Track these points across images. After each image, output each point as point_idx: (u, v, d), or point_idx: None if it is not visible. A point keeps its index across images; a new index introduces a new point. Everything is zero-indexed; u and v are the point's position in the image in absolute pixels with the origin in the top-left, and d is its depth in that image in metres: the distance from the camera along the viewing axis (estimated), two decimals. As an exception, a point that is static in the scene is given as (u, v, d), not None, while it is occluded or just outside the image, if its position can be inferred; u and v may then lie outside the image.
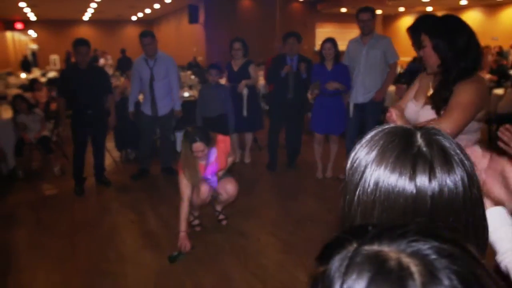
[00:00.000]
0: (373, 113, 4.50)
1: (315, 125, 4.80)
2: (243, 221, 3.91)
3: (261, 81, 7.93)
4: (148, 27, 22.12)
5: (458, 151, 0.67)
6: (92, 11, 17.50)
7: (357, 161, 0.70)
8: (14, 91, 8.04)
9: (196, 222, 3.76)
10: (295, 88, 4.84)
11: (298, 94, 4.90)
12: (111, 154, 6.31)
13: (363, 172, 0.68)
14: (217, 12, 14.74)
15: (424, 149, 0.66)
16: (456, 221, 0.65)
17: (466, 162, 0.67)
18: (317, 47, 16.94)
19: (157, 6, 16.34)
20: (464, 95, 1.80)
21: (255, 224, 3.85)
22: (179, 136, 5.99)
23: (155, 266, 3.18)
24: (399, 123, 1.75)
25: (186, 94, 6.56)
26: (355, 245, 0.45)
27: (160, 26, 21.48)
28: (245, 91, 5.22)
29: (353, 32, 4.59)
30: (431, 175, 0.64)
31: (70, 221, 4.06)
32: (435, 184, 0.64)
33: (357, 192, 0.69)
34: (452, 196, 0.64)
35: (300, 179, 5.04)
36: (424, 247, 0.44)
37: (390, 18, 17.98)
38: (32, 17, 18.86)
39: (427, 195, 0.64)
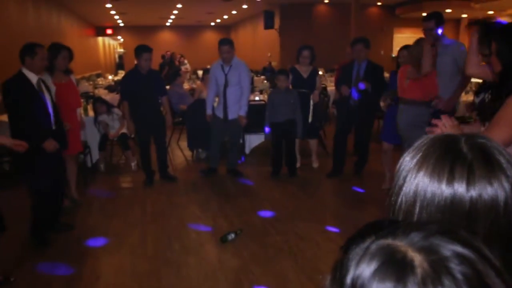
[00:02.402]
0: None
1: (384, 134, 4.67)
2: (304, 224, 3.93)
3: (332, 88, 7.89)
4: (225, 32, 22.87)
5: (505, 158, 0.66)
6: (174, 17, 18.50)
7: (402, 166, 0.73)
8: (101, 91, 8.75)
9: None
10: (359, 94, 4.76)
11: (364, 100, 4.80)
12: (184, 153, 6.65)
13: (406, 175, 0.71)
14: (292, 18, 14.84)
15: (465, 151, 0.66)
16: (494, 226, 0.65)
17: (510, 167, 0.65)
18: (395, 53, 16.36)
19: (234, 12, 16.87)
20: (507, 110, 1.66)
21: (315, 228, 3.85)
22: (248, 138, 6.15)
23: (216, 261, 3.32)
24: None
25: (256, 98, 6.72)
26: (373, 238, 0.48)
27: (237, 31, 22.08)
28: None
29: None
30: (470, 177, 0.64)
31: (142, 211, 4.37)
32: (474, 187, 0.64)
33: (401, 195, 0.72)
34: (491, 201, 0.64)
35: (366, 188, 4.94)
36: (436, 243, 0.45)
37: (476, 23, 16.88)
38: (121, 23, 20.41)
39: (465, 198, 0.65)
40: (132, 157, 5.84)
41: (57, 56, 4.07)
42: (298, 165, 5.61)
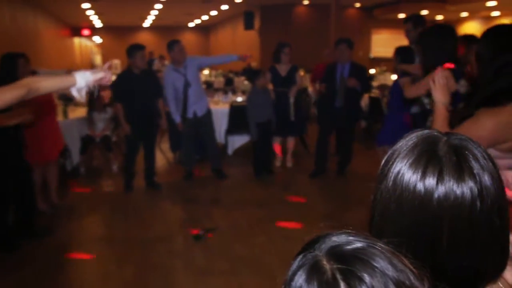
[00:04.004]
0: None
1: (381, 138, 4.33)
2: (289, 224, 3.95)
3: (311, 88, 7.94)
4: (204, 33, 22.79)
5: (479, 164, 0.68)
6: (153, 17, 18.31)
7: (384, 161, 0.76)
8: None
9: None
10: (345, 96, 4.81)
11: (348, 102, 4.85)
12: (166, 155, 6.59)
13: (388, 170, 0.73)
14: (272, 19, 14.90)
15: (440, 155, 0.69)
16: (458, 232, 0.68)
17: (483, 174, 0.68)
18: (373, 53, 16.58)
19: (214, 13, 16.82)
20: (474, 127, 1.58)
21: (300, 228, 3.87)
22: (231, 140, 6.14)
23: (203, 264, 3.30)
24: (440, 87, 1.70)
25: (239, 99, 6.72)
26: (311, 250, 0.58)
27: (217, 32, 22.03)
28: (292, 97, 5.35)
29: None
30: (439, 179, 0.67)
31: (125, 215, 4.30)
32: (441, 188, 0.67)
33: (380, 188, 0.74)
34: (457, 203, 0.67)
35: (350, 188, 5.00)
36: (352, 262, 0.54)
37: (451, 24, 17.28)
38: (98, 24, 20.08)
39: (433, 198, 0.68)
40: (114, 160, 5.75)
41: (17, 66, 3.63)
42: (277, 164, 5.69)
